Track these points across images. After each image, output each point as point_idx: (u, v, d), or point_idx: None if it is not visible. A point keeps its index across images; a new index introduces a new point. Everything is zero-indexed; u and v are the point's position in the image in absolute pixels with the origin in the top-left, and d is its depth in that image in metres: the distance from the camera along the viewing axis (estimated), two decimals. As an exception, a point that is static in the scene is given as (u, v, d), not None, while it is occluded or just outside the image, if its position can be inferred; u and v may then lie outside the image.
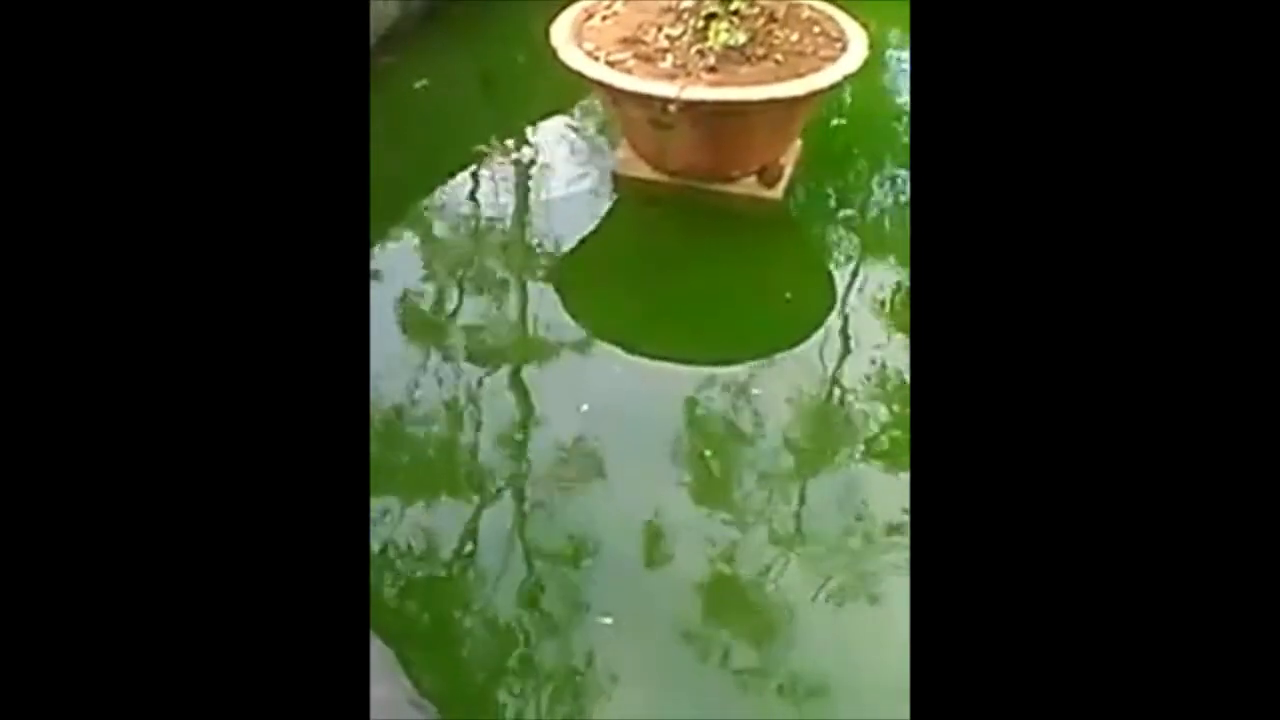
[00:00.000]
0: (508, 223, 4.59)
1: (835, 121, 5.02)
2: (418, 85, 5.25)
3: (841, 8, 4.63)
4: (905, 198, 4.69)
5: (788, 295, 4.23)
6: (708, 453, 3.50)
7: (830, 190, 4.74)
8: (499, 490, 3.43)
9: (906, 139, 5.12)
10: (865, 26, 4.51)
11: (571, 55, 4.27)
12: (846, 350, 3.95)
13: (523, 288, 4.23)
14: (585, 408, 3.60)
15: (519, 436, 3.60)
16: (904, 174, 4.83)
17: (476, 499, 3.38)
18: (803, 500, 3.40)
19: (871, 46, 4.44)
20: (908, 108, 5.37)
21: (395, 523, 3.24)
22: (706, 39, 4.21)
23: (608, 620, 2.98)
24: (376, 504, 3.25)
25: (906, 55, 5.79)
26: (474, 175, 4.77)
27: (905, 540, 3.14)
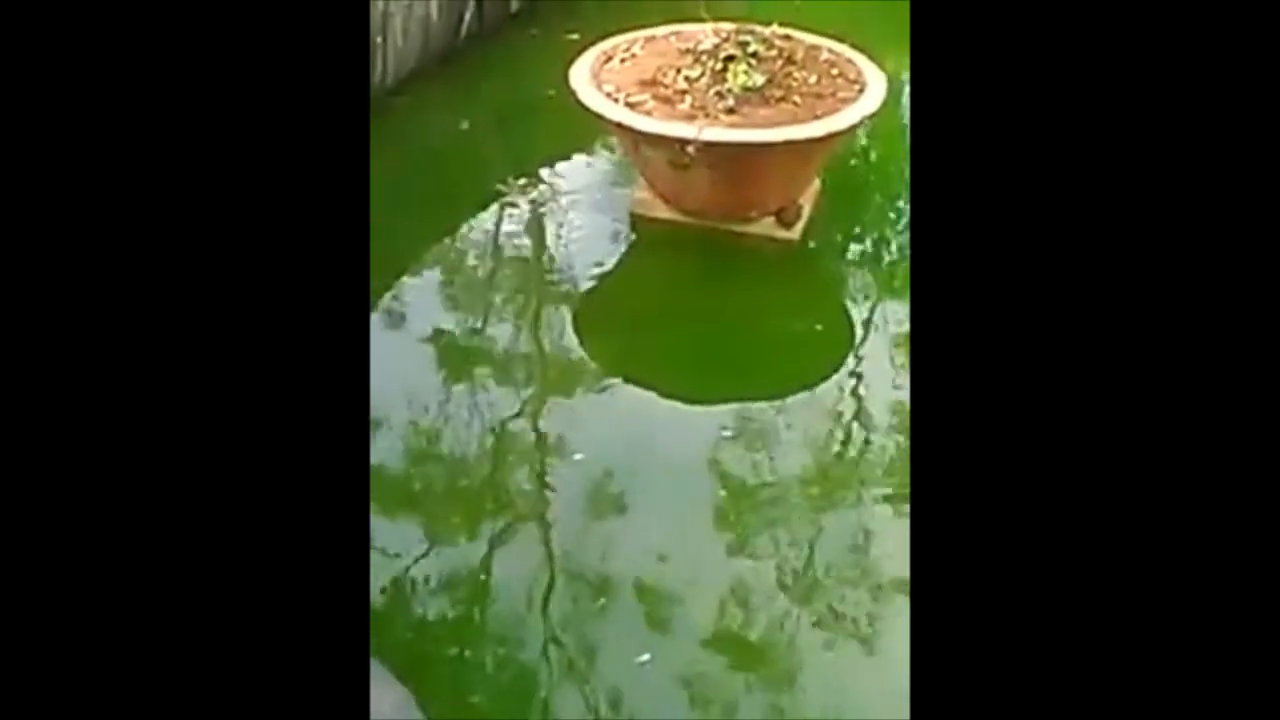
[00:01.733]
0: (526, 262, 4.62)
1: (853, 161, 5.04)
2: (463, 126, 5.32)
3: (859, 50, 4.66)
4: (922, 237, 4.70)
5: (818, 326, 4.25)
6: (723, 492, 3.49)
7: (848, 230, 4.75)
8: (518, 525, 3.42)
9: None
10: (882, 67, 4.53)
11: (591, 97, 4.30)
12: (865, 389, 3.95)
13: (541, 327, 4.24)
14: (579, 456, 3.61)
15: (538, 473, 3.60)
16: (920, 213, 4.85)
17: (496, 532, 3.39)
18: (821, 541, 3.39)
19: (888, 86, 4.46)
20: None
21: (415, 556, 3.24)
22: (725, 81, 4.24)
23: (645, 657, 2.98)
24: (396, 535, 3.26)
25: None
26: (493, 214, 4.80)
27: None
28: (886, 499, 3.53)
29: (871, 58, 4.62)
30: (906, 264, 4.59)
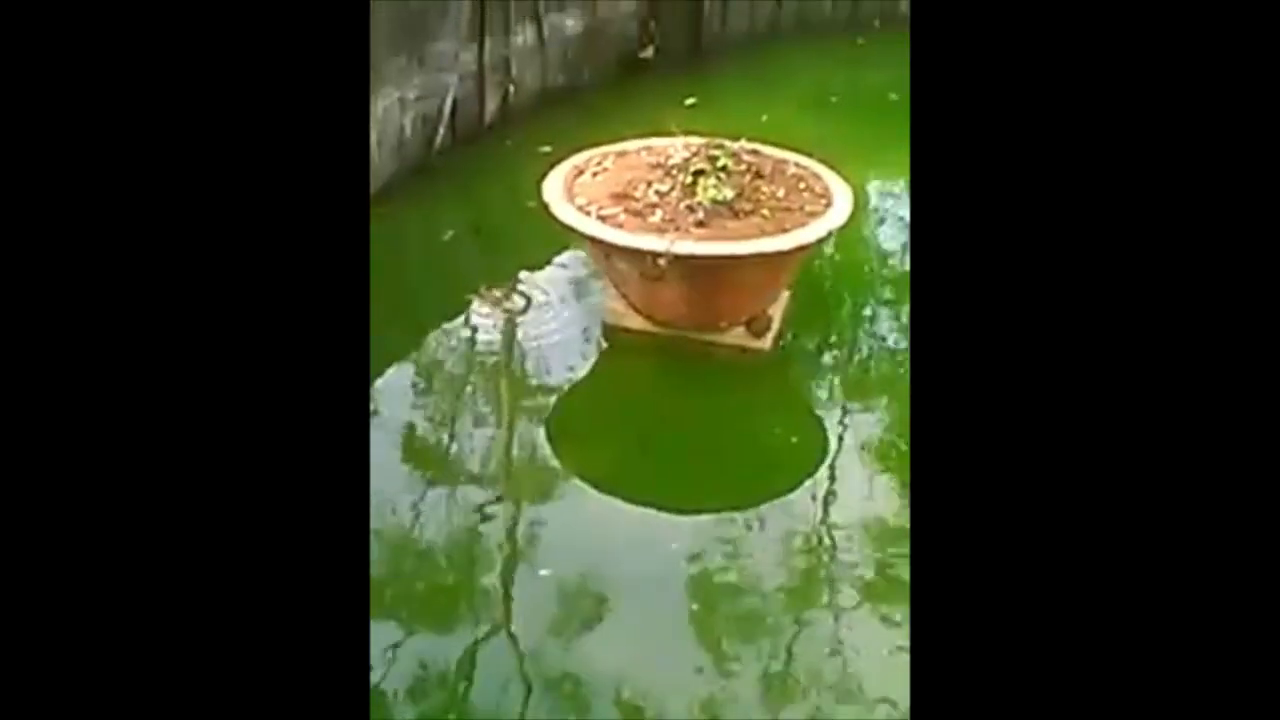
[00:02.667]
0: (498, 369, 4.65)
1: (821, 271, 5.13)
2: (447, 238, 5.39)
3: (823, 161, 4.77)
4: (890, 344, 4.78)
5: (790, 435, 4.29)
6: (695, 605, 3.49)
7: (818, 339, 4.82)
8: (492, 634, 3.41)
9: (890, 285, 5.25)
10: (846, 178, 4.64)
11: (563, 210, 4.38)
12: (838, 498, 3.97)
13: (513, 434, 4.26)
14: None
15: (509, 581, 3.59)
16: (888, 320, 4.93)
17: (469, 641, 3.37)
18: (791, 651, 3.38)
19: (853, 194, 4.56)
20: (890, 254, 5.51)
21: (385, 664, 3.21)
22: (695, 194, 4.32)
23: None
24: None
25: (888, 204, 5.96)
26: (465, 322, 4.84)
27: (899, 693, 3.12)
28: (861, 608, 3.53)
29: (835, 169, 4.73)
30: (876, 371, 4.67)
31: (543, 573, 3.58)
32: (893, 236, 5.71)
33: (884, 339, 4.87)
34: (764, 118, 6.03)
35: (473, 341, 4.78)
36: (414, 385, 4.55)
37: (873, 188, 6.04)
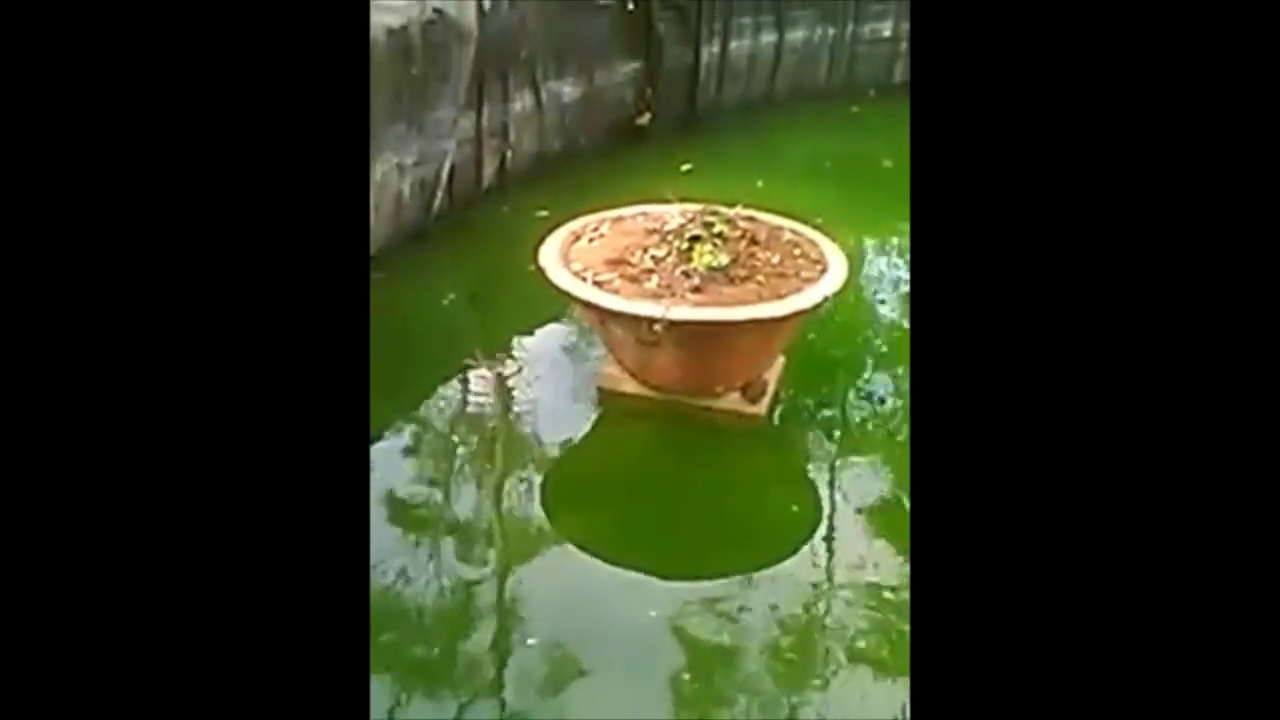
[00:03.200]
0: (493, 434, 4.64)
1: (816, 336, 5.14)
2: (447, 302, 5.41)
3: (817, 227, 4.81)
4: (884, 408, 4.79)
5: (784, 500, 4.28)
6: (687, 676, 3.46)
7: (813, 404, 4.82)
8: (480, 698, 3.38)
9: (884, 349, 5.26)
10: (840, 243, 4.67)
11: (559, 276, 4.40)
12: (833, 565, 3.95)
13: (507, 498, 4.24)
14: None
15: (500, 646, 3.56)
16: (883, 384, 4.95)
17: (457, 702, 3.35)
18: (788, 715, 3.35)
19: (848, 260, 4.59)
20: (884, 318, 5.54)
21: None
22: (691, 260, 4.35)
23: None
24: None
25: (882, 268, 6.00)
26: (460, 387, 4.84)
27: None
28: (855, 676, 3.50)
29: (830, 234, 4.77)
30: (871, 437, 4.66)
31: (530, 641, 3.55)
32: (887, 301, 5.75)
33: (879, 403, 4.87)
34: (759, 184, 6.08)
35: (467, 406, 4.78)
36: (407, 449, 4.54)
37: (867, 253, 6.09)
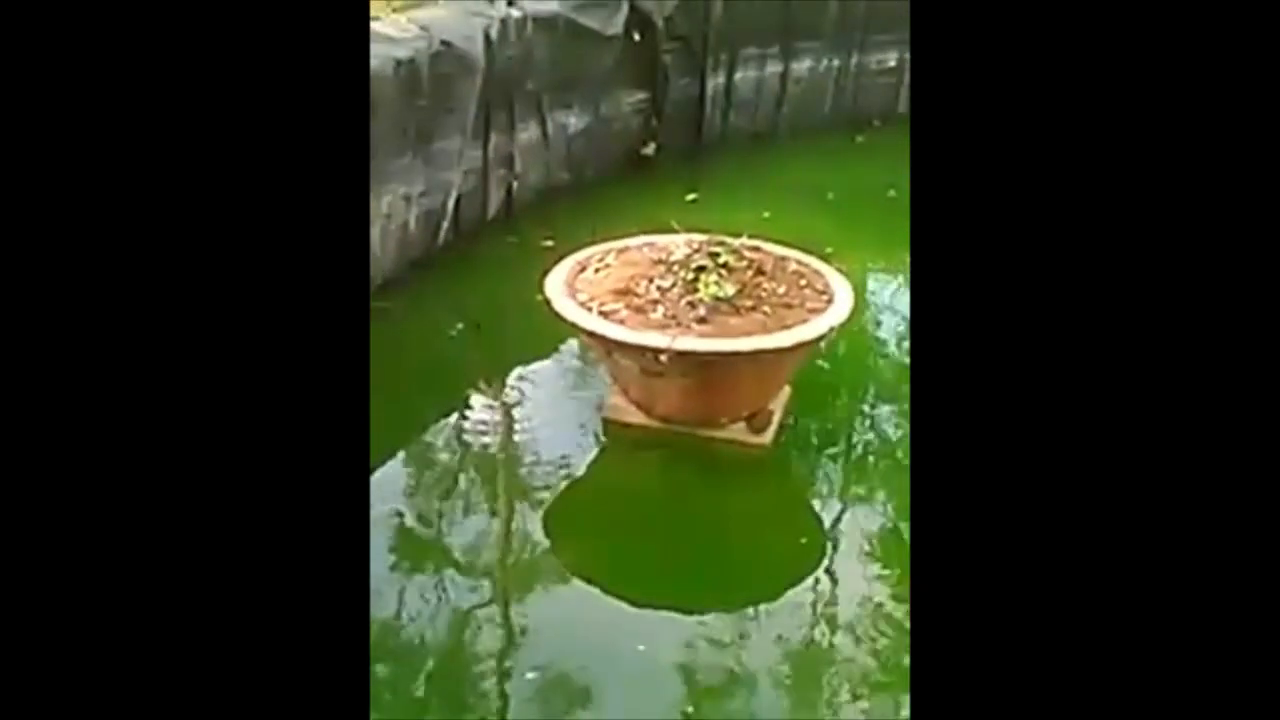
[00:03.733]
0: (496, 464, 4.64)
1: (822, 366, 5.14)
2: (453, 332, 5.43)
3: (823, 258, 4.81)
4: (891, 438, 4.77)
5: (789, 532, 4.26)
6: (690, 709, 3.44)
7: (818, 435, 4.80)
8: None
9: (889, 379, 5.26)
10: (847, 275, 4.68)
11: (565, 306, 4.40)
12: (838, 597, 3.93)
13: (510, 529, 4.23)
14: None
15: (500, 679, 3.54)
16: (888, 414, 4.94)
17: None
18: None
19: (853, 290, 4.59)
20: (889, 348, 5.53)
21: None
22: (696, 291, 4.35)
23: None
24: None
25: (887, 298, 6.00)
26: (464, 416, 4.84)
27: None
28: (858, 709, 3.48)
29: (835, 265, 4.77)
30: (877, 466, 4.65)
31: (529, 675, 3.53)
32: (892, 331, 5.74)
33: (884, 433, 4.86)
34: (765, 214, 6.10)
35: (471, 436, 4.77)
36: (411, 478, 4.54)
37: (872, 283, 6.09)
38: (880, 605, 3.84)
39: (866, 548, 4.17)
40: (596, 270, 4.64)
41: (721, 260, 4.46)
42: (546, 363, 5.26)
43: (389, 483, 4.41)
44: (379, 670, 3.48)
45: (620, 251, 4.76)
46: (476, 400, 4.89)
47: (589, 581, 3.97)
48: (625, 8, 6.74)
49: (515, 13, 6.07)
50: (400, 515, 4.22)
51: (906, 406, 4.91)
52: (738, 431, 4.51)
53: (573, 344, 5.19)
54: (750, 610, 3.86)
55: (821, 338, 4.39)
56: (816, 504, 4.50)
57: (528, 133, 6.39)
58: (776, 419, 4.57)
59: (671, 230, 4.82)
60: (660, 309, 4.33)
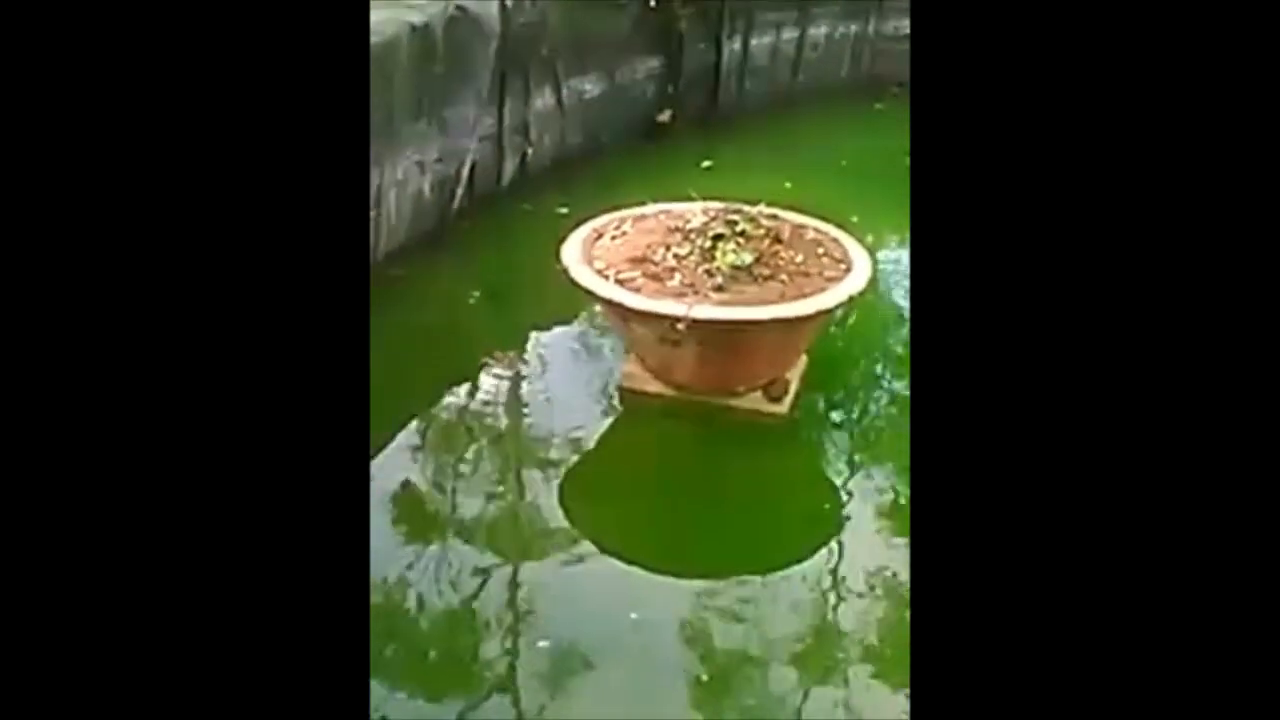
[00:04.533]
0: (511, 432, 4.62)
1: (839, 335, 5.11)
2: (471, 300, 5.41)
3: (840, 226, 4.77)
4: (907, 409, 4.75)
5: (805, 501, 4.21)
6: (703, 676, 3.44)
7: (835, 404, 4.79)
8: (490, 697, 3.37)
9: (906, 349, 5.22)
10: (864, 244, 4.64)
11: (582, 273, 4.38)
12: (852, 565, 3.92)
13: (525, 497, 4.23)
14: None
15: (512, 645, 3.55)
16: (905, 384, 4.91)
17: (465, 700, 3.34)
18: (803, 718, 3.34)
19: (871, 258, 4.56)
20: (906, 318, 5.50)
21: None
22: (714, 259, 4.32)
23: None
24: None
25: (904, 266, 5.95)
26: (478, 384, 4.83)
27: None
28: (873, 676, 3.48)
29: (853, 233, 4.73)
30: (892, 438, 4.63)
31: (541, 644, 3.53)
32: (909, 300, 5.70)
33: (902, 403, 4.84)
34: (781, 181, 6.05)
35: (486, 403, 4.76)
36: (424, 447, 4.53)
37: (890, 252, 6.04)
38: (896, 574, 3.83)
39: (883, 517, 4.16)
40: (613, 238, 4.62)
41: (739, 228, 4.43)
42: (562, 330, 5.24)
43: (402, 449, 4.41)
44: (389, 635, 3.49)
45: (637, 219, 4.73)
46: (491, 367, 4.87)
47: (603, 548, 3.97)
48: (641, -27, 6.69)
49: (531, -22, 6.02)
50: (414, 482, 4.22)
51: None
52: (754, 400, 4.49)
53: (588, 312, 5.16)
54: (765, 577, 3.87)
55: (839, 306, 4.36)
56: (833, 473, 4.48)
57: (543, 99, 6.35)
58: (793, 388, 4.55)
59: (688, 198, 4.78)
60: (677, 277, 4.31)
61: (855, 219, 5.06)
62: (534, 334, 5.18)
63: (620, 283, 4.31)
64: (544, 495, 4.20)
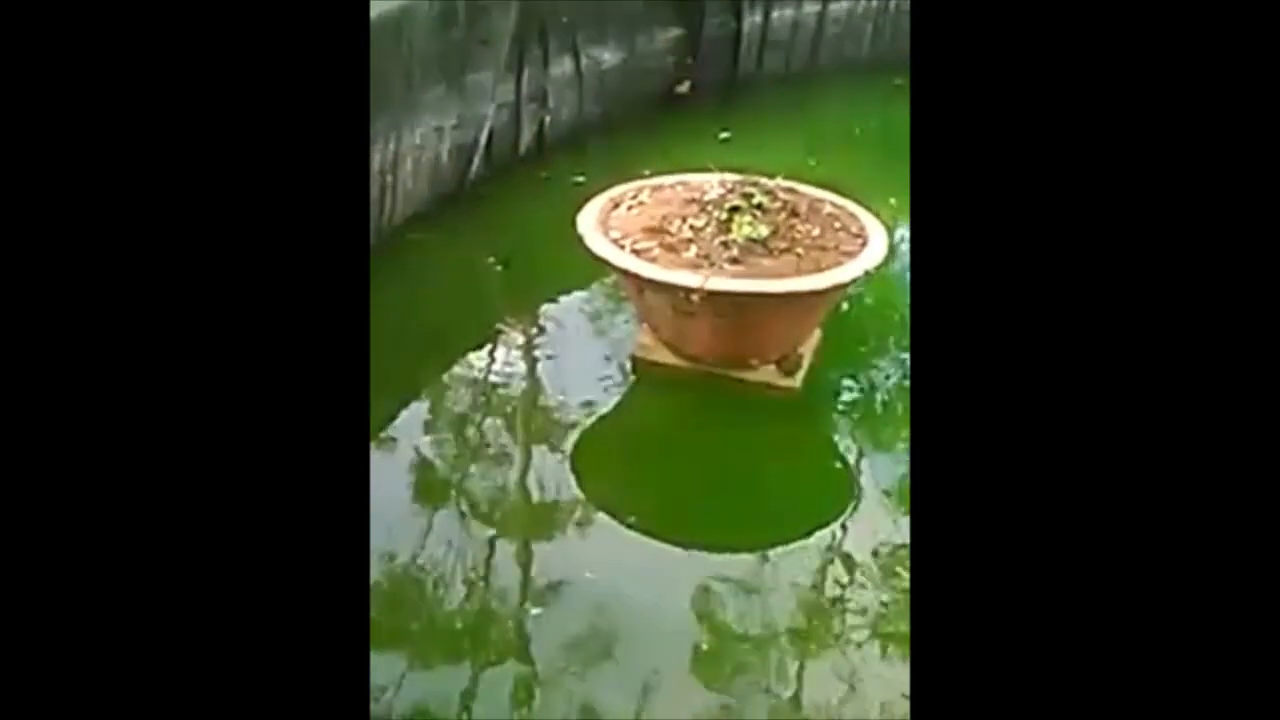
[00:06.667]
0: (523, 400, 4.63)
1: (853, 310, 5.10)
2: (492, 264, 5.42)
3: (858, 200, 4.75)
4: (920, 386, 4.75)
5: (815, 475, 4.20)
6: (708, 648, 3.46)
7: (848, 379, 4.78)
8: (499, 665, 3.39)
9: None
10: (881, 218, 4.62)
11: (597, 243, 4.37)
12: (860, 540, 3.93)
13: (535, 465, 4.24)
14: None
15: (521, 613, 3.58)
16: (917, 361, 4.91)
17: (477, 669, 3.36)
18: (805, 691, 3.35)
19: (888, 233, 4.54)
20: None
21: (393, 689, 3.19)
22: (730, 231, 4.31)
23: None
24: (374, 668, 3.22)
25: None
26: (492, 352, 4.83)
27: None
28: (877, 651, 3.49)
29: (870, 208, 4.71)
30: (904, 415, 4.62)
31: (534, 611, 3.56)
32: (909, 286, 5.68)
33: (914, 379, 4.83)
34: (799, 154, 6.02)
35: (499, 372, 4.77)
36: (437, 416, 4.54)
37: (907, 228, 6.01)
38: (905, 549, 3.83)
39: (894, 492, 4.16)
40: (630, 208, 4.61)
41: (755, 201, 4.42)
42: (577, 299, 5.24)
43: (415, 417, 4.43)
44: (399, 603, 3.51)
45: (654, 190, 4.72)
46: (506, 335, 4.88)
47: (614, 518, 3.98)
48: (662, -58, 6.64)
49: (551, -55, 5.99)
50: (423, 452, 4.23)
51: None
52: (768, 374, 4.48)
53: (603, 281, 5.15)
54: (775, 551, 3.88)
55: (855, 280, 4.35)
56: (845, 448, 4.49)
57: (561, 68, 6.32)
58: (807, 362, 4.55)
59: (705, 169, 4.77)
60: (693, 248, 4.30)
61: (874, 193, 5.03)
62: (549, 303, 5.18)
63: (636, 253, 4.30)
64: (555, 463, 4.21)
